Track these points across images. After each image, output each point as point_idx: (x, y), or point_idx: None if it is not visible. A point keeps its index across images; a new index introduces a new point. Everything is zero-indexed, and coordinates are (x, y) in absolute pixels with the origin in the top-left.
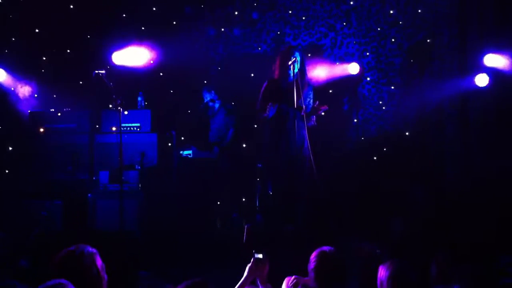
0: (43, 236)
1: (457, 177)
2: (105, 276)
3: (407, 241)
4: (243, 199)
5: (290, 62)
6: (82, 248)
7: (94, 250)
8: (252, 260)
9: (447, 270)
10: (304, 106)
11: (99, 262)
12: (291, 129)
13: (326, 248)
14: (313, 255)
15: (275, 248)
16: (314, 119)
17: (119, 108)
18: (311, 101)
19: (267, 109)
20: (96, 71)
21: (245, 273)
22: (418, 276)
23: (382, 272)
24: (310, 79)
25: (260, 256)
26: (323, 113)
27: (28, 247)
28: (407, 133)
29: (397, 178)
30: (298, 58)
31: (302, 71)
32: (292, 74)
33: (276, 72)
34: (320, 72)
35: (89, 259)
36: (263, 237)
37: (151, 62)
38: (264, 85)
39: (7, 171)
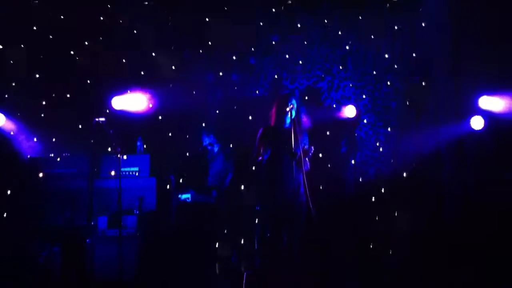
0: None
1: (455, 217)
2: None
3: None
4: (242, 242)
5: (287, 109)
6: None
7: None
8: None
9: None
10: (299, 153)
11: None
12: (287, 174)
13: None
14: None
15: None
16: (308, 163)
17: (118, 155)
18: (306, 147)
19: (261, 154)
20: (97, 119)
21: None
22: None
23: None
24: (306, 125)
25: None
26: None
27: None
28: (404, 175)
29: (395, 219)
30: (295, 105)
31: (299, 117)
32: (288, 121)
33: (273, 118)
34: (316, 115)
35: None
36: (263, 285)
37: (150, 106)
38: (260, 131)
39: (5, 215)
